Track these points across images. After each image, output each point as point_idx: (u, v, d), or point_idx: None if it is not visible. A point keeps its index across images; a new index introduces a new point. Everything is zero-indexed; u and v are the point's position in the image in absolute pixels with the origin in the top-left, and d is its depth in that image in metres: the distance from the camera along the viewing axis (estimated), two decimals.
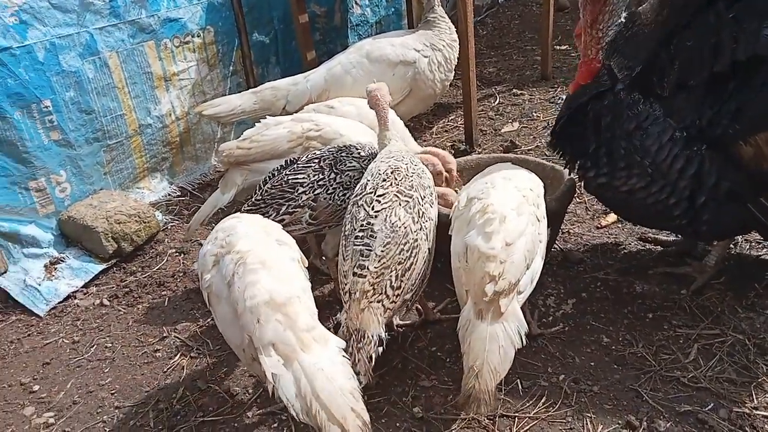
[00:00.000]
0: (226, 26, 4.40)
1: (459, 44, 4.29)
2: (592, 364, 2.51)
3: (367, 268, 2.23)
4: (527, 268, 2.26)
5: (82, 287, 3.44)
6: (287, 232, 2.48)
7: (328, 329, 2.22)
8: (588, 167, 2.71)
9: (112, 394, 2.69)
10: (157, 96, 4.10)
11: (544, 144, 4.25)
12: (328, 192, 2.76)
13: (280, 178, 2.84)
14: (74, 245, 3.63)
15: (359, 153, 2.86)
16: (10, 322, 3.24)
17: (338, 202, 2.76)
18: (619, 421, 2.24)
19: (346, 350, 2.12)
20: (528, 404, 2.35)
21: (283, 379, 1.95)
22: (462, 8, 4.03)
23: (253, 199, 2.87)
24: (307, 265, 2.36)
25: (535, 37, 6.30)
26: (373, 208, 2.35)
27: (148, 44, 3.97)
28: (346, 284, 2.28)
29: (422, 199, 2.42)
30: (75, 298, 3.38)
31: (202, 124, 4.42)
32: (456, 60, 4.40)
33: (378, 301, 2.22)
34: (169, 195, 4.26)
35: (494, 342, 2.10)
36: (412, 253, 2.30)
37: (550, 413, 2.30)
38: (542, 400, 2.36)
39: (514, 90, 5.25)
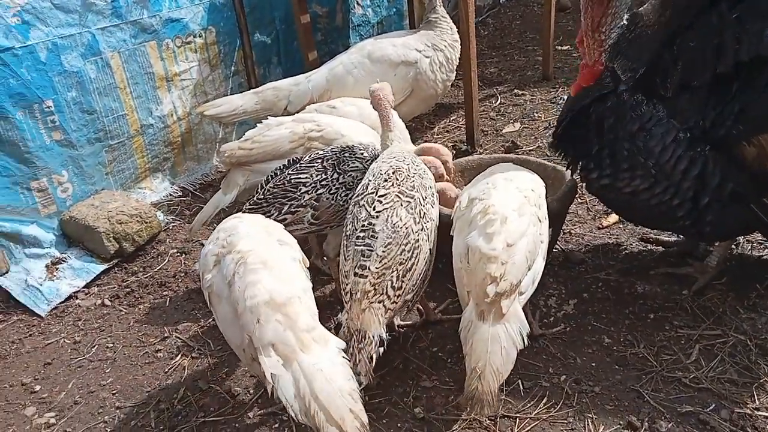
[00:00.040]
0: (227, 26, 4.40)
1: (460, 44, 4.28)
2: (594, 364, 2.50)
3: (369, 269, 2.23)
4: (529, 269, 2.26)
5: (83, 287, 3.44)
6: (289, 231, 2.48)
7: (330, 329, 2.22)
8: (591, 168, 2.71)
9: (113, 394, 2.69)
10: (158, 96, 4.10)
11: (545, 144, 4.24)
12: (331, 192, 2.76)
13: (282, 177, 2.84)
14: (76, 245, 3.63)
15: (362, 153, 2.86)
16: (11, 322, 3.24)
17: (341, 203, 2.76)
18: (621, 422, 2.23)
19: (346, 351, 2.12)
20: (529, 405, 2.35)
21: (283, 380, 1.95)
22: (463, 8, 4.03)
23: (255, 198, 2.87)
24: (308, 266, 2.36)
25: (536, 37, 6.30)
26: (374, 209, 2.35)
27: (150, 44, 3.98)
28: (347, 284, 2.28)
29: (424, 200, 2.42)
30: (76, 298, 3.38)
31: (204, 125, 4.42)
32: (457, 60, 4.40)
33: (379, 302, 2.22)
34: (171, 195, 4.26)
35: (496, 343, 2.10)
36: (413, 253, 2.30)
37: (551, 414, 2.30)
38: (543, 401, 2.36)
39: (516, 90, 5.25)
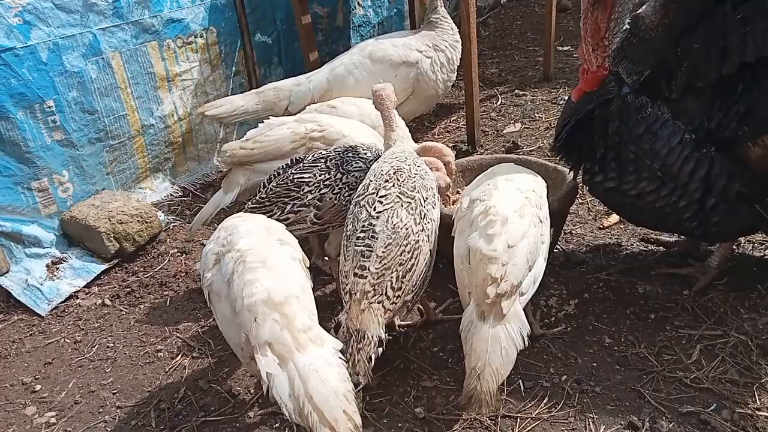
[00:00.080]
0: (228, 27, 4.40)
1: (461, 45, 4.29)
2: (595, 364, 2.50)
3: (368, 269, 2.23)
4: (529, 270, 2.26)
5: (84, 287, 3.44)
6: (291, 231, 2.48)
7: (330, 329, 2.22)
8: (595, 172, 2.69)
9: (113, 393, 2.69)
10: (159, 96, 4.10)
11: (546, 145, 4.24)
12: (334, 192, 2.76)
13: (285, 176, 2.84)
14: (76, 245, 3.63)
15: (365, 153, 2.86)
16: (12, 321, 3.24)
17: (344, 202, 2.75)
18: (622, 422, 2.23)
19: (345, 351, 2.12)
20: (530, 405, 2.35)
21: (278, 379, 1.95)
22: (465, 9, 4.03)
23: (257, 198, 2.87)
24: (308, 266, 2.36)
25: (537, 37, 6.30)
26: (375, 209, 2.35)
27: (151, 45, 3.98)
28: (346, 285, 2.28)
29: (424, 201, 2.42)
30: (77, 298, 3.38)
31: (205, 125, 4.42)
32: (458, 61, 4.40)
33: (378, 302, 2.21)
34: (172, 195, 4.26)
35: (496, 343, 2.10)
36: (413, 254, 2.29)
37: (552, 414, 2.30)
38: (544, 401, 2.36)
39: (516, 91, 5.24)
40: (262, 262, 2.14)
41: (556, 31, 5.37)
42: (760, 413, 2.20)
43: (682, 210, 2.51)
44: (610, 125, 2.57)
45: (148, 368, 2.82)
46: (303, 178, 2.80)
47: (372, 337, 2.17)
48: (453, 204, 2.95)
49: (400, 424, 2.33)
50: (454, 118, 4.99)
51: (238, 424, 2.44)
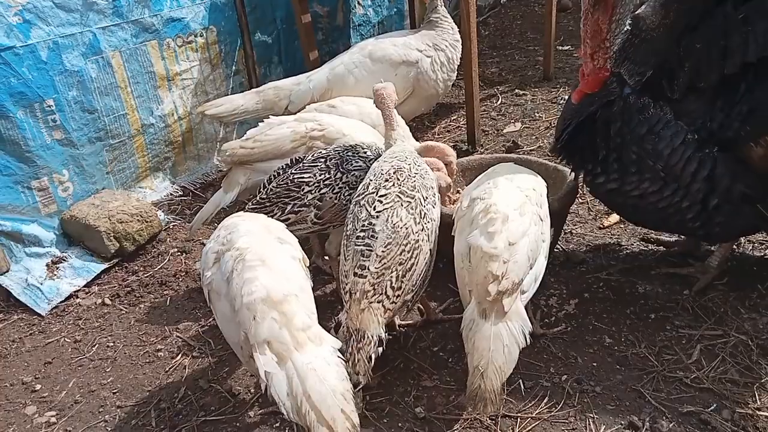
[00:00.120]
0: (228, 26, 4.40)
1: (461, 44, 4.28)
2: (595, 364, 2.50)
3: (368, 269, 2.23)
4: (530, 268, 2.26)
5: (84, 286, 3.44)
6: (292, 231, 2.48)
7: (330, 329, 2.22)
8: (597, 173, 2.69)
9: (113, 393, 2.69)
10: (159, 95, 4.10)
11: (546, 144, 4.24)
12: (334, 191, 2.76)
13: (285, 176, 2.83)
14: (76, 244, 3.63)
15: (366, 153, 2.85)
16: (11, 321, 3.24)
17: (344, 202, 2.74)
18: (622, 422, 2.23)
19: (345, 350, 2.12)
20: (530, 404, 2.35)
21: (276, 378, 1.95)
22: (465, 8, 4.03)
23: (258, 198, 2.87)
24: (308, 265, 2.36)
25: (537, 37, 6.30)
26: (374, 209, 2.34)
27: (151, 44, 3.98)
28: (346, 284, 2.27)
29: (424, 200, 2.41)
30: (77, 297, 3.38)
31: (205, 124, 4.42)
32: (458, 60, 4.40)
33: (378, 302, 2.21)
34: (172, 194, 4.26)
35: (498, 341, 2.10)
36: (413, 254, 2.29)
37: (552, 413, 2.30)
38: (545, 401, 2.36)
39: (517, 90, 5.24)
40: (262, 260, 2.14)
41: (556, 31, 5.37)
42: (761, 413, 2.20)
43: (685, 210, 2.51)
44: (613, 126, 2.57)
45: (148, 368, 2.82)
46: (303, 178, 2.79)
47: (372, 337, 2.17)
48: (453, 204, 2.95)
49: (400, 424, 2.33)
50: (454, 117, 4.99)
51: (238, 424, 2.44)
